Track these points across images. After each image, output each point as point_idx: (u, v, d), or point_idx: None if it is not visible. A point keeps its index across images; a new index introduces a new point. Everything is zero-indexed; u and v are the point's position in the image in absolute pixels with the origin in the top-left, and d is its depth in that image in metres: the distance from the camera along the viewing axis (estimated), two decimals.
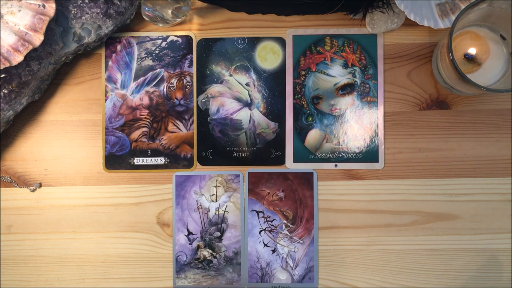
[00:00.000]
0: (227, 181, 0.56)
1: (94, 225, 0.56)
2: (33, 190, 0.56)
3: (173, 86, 0.56)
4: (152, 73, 0.56)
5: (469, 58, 0.51)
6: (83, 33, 0.52)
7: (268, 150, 0.56)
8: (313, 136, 0.56)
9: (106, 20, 0.52)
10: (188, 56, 0.56)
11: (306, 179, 0.55)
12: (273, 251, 0.55)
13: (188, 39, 0.56)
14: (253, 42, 0.56)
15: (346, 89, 0.56)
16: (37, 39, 0.48)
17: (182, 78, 0.56)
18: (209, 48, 0.56)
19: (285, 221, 0.55)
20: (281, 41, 0.56)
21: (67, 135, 0.56)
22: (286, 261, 0.55)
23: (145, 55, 0.56)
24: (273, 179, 0.55)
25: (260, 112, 0.56)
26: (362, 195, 0.55)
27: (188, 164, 0.56)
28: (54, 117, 0.56)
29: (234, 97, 0.56)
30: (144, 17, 0.54)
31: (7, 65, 0.48)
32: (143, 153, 0.56)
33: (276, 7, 0.55)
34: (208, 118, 0.56)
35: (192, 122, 0.56)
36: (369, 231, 0.55)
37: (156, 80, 0.56)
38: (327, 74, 0.56)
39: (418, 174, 0.55)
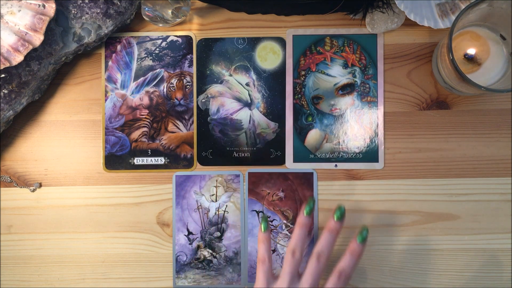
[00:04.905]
0: (227, 181, 0.56)
1: (94, 225, 0.56)
2: (33, 190, 0.56)
3: (173, 86, 0.56)
4: (152, 73, 0.56)
5: (469, 58, 0.51)
6: (83, 33, 0.52)
7: (268, 150, 0.56)
8: (313, 136, 0.56)
9: (106, 20, 0.52)
10: (188, 56, 0.56)
11: (306, 179, 0.55)
12: (273, 251, 0.55)
13: (188, 39, 0.56)
14: (253, 42, 0.56)
15: (346, 89, 0.56)
16: (37, 39, 0.48)
17: (182, 78, 0.56)
18: (209, 48, 0.56)
19: (285, 221, 0.55)
20: (281, 41, 0.56)
21: (67, 135, 0.56)
22: None
23: (145, 55, 0.56)
24: (273, 179, 0.55)
25: (260, 112, 0.56)
26: (362, 195, 0.55)
27: (188, 164, 0.56)
28: (54, 117, 0.56)
29: (234, 97, 0.56)
30: (144, 17, 0.54)
31: (7, 65, 0.48)
32: (143, 153, 0.56)
33: (276, 7, 0.55)
34: (208, 118, 0.56)
35: (192, 122, 0.56)
36: (369, 231, 0.55)
37: (156, 80, 0.56)
38: (327, 74, 0.56)
39: (418, 174, 0.55)
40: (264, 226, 0.48)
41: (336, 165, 0.55)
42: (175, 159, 0.56)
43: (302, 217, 0.48)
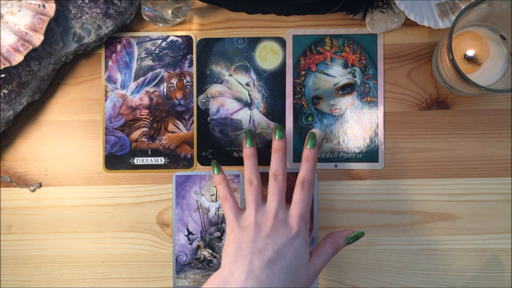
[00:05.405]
0: None
1: (94, 225, 0.56)
2: (33, 190, 0.56)
3: (173, 86, 0.56)
4: (152, 73, 0.56)
5: (469, 58, 0.51)
6: (83, 33, 0.52)
7: (268, 150, 0.56)
8: None
9: (106, 20, 0.52)
10: (188, 56, 0.56)
11: None
12: None
13: (188, 39, 0.56)
14: (253, 42, 0.56)
15: (346, 89, 0.56)
16: (37, 39, 0.48)
17: (182, 78, 0.56)
18: (209, 48, 0.56)
19: None
20: (281, 41, 0.56)
21: (67, 135, 0.56)
22: None
23: (145, 55, 0.56)
24: None
25: (260, 112, 0.56)
26: (362, 195, 0.55)
27: (188, 164, 0.56)
28: (54, 117, 0.56)
29: (234, 97, 0.56)
30: (144, 17, 0.54)
31: (7, 65, 0.48)
32: (143, 153, 0.56)
33: (276, 7, 0.55)
34: (208, 118, 0.56)
35: (192, 122, 0.56)
36: (369, 231, 0.55)
37: (156, 80, 0.56)
38: (327, 74, 0.56)
39: (418, 174, 0.55)
40: (216, 170, 0.50)
41: (336, 165, 0.55)
42: (175, 159, 0.56)
43: (246, 149, 0.50)
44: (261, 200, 0.47)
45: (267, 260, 0.43)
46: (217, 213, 0.56)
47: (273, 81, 0.56)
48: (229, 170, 0.56)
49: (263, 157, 0.55)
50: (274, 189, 0.47)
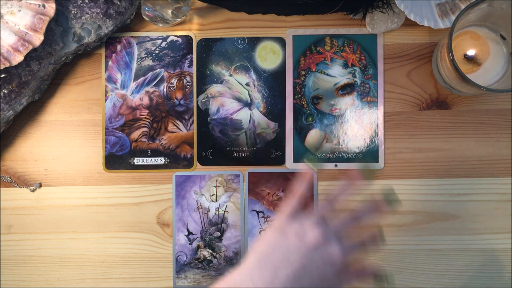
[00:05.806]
0: (227, 181, 0.56)
1: (94, 225, 0.56)
2: (33, 190, 0.56)
3: (173, 86, 0.56)
4: (152, 73, 0.56)
5: (469, 58, 0.51)
6: (83, 33, 0.52)
7: (268, 150, 0.56)
8: (313, 136, 0.56)
9: (106, 20, 0.52)
10: (188, 56, 0.56)
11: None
12: None
13: (188, 39, 0.56)
14: (253, 42, 0.56)
15: (346, 89, 0.56)
16: (37, 39, 0.48)
17: (182, 78, 0.56)
18: (209, 48, 0.56)
19: None
20: (281, 41, 0.56)
21: (67, 135, 0.56)
22: None
23: (145, 55, 0.56)
24: (273, 179, 0.55)
25: (260, 112, 0.56)
26: (362, 195, 0.55)
27: (188, 164, 0.56)
28: (54, 117, 0.56)
29: (234, 97, 0.56)
30: (144, 17, 0.54)
31: (7, 65, 0.48)
32: (143, 153, 0.56)
33: (276, 7, 0.55)
34: (208, 118, 0.56)
35: (192, 122, 0.56)
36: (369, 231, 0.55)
37: (156, 80, 0.56)
38: (327, 74, 0.56)
39: (418, 174, 0.55)
40: (313, 166, 0.46)
41: (336, 165, 0.55)
42: (175, 159, 0.56)
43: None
44: (326, 218, 0.44)
45: (292, 276, 0.40)
46: (217, 213, 0.56)
47: (273, 81, 0.56)
48: (229, 170, 0.56)
49: (261, 157, 0.55)
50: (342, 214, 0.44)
